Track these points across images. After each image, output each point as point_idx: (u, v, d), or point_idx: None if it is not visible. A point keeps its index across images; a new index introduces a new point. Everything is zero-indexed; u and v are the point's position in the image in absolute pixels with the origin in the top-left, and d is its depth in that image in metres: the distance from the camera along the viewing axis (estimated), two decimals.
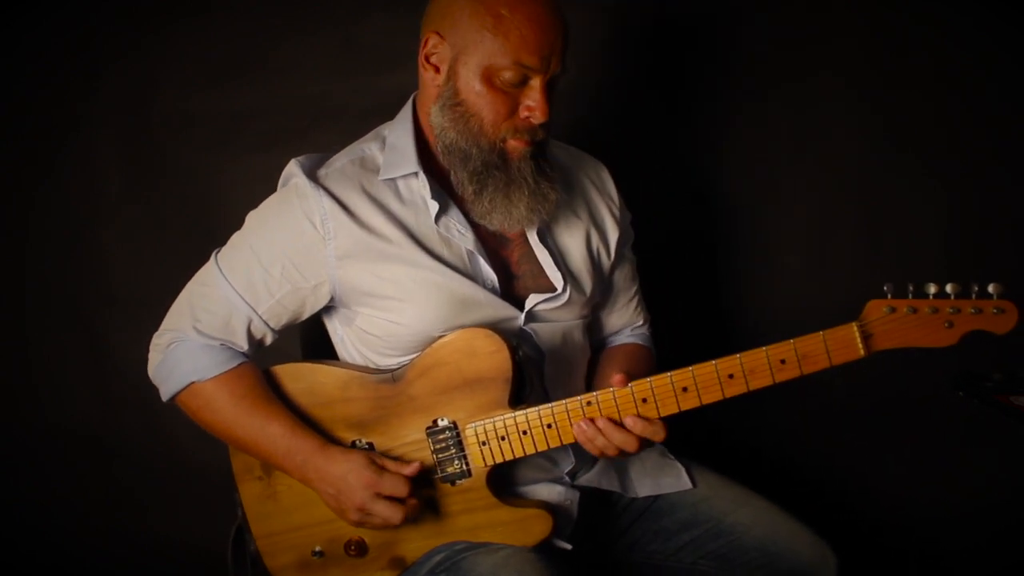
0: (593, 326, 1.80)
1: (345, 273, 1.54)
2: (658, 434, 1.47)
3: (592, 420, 1.47)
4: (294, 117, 2.33)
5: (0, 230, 2.40)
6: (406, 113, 1.62)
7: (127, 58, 2.33)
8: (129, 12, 2.31)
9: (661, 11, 2.27)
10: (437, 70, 1.53)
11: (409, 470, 1.51)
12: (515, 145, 1.51)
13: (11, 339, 2.41)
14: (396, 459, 1.54)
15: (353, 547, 1.59)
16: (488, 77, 1.47)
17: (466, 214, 1.58)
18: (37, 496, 2.44)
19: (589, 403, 1.48)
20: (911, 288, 1.36)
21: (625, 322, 1.84)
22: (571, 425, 1.49)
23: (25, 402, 2.42)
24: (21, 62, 2.32)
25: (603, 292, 1.77)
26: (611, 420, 1.47)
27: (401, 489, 1.49)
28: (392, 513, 1.49)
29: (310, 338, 1.81)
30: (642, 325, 1.87)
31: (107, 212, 2.38)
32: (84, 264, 2.38)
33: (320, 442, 1.54)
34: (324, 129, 2.32)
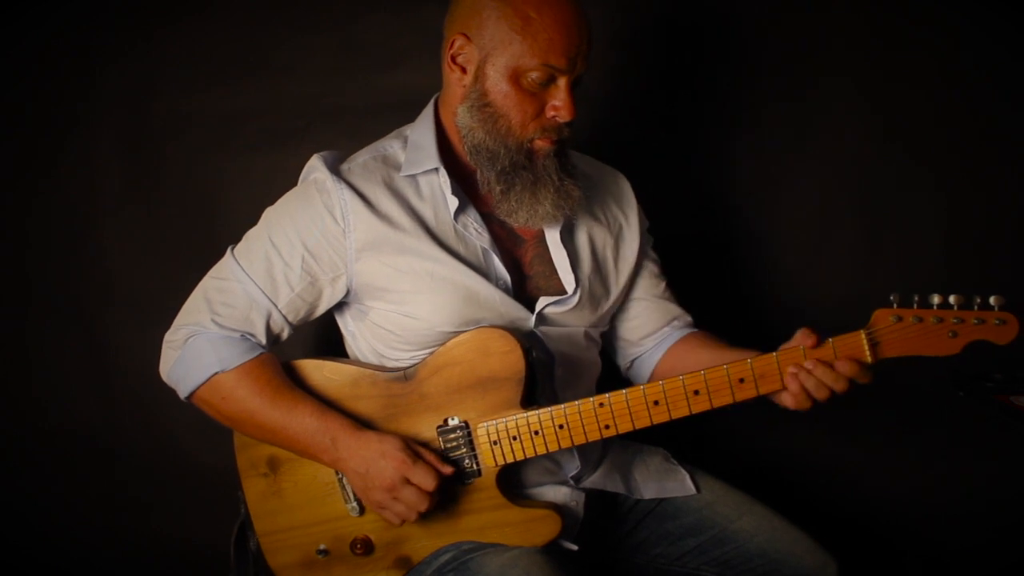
0: (632, 330, 1.80)
1: (363, 266, 1.55)
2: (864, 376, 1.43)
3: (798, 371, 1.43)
4: (294, 117, 2.32)
5: (0, 230, 2.38)
6: (428, 113, 1.65)
7: (127, 58, 2.32)
8: (129, 12, 2.30)
9: (664, 15, 2.27)
10: (464, 71, 1.55)
11: (444, 469, 1.50)
12: (541, 144, 1.54)
13: (11, 339, 2.40)
14: (430, 449, 1.54)
15: (359, 545, 1.59)
16: (516, 78, 1.50)
17: (482, 212, 1.60)
18: (37, 496, 2.42)
19: (601, 404, 1.49)
20: (916, 298, 1.40)
21: (667, 317, 1.81)
22: (583, 426, 1.50)
23: (24, 402, 2.41)
24: (21, 62, 2.31)
25: (621, 302, 1.77)
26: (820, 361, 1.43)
27: (430, 482, 1.48)
28: (418, 500, 1.48)
29: (311, 336, 1.81)
30: (686, 314, 1.83)
31: (107, 212, 2.36)
32: (84, 264, 2.37)
33: (351, 422, 1.53)
34: (324, 129, 2.31)
